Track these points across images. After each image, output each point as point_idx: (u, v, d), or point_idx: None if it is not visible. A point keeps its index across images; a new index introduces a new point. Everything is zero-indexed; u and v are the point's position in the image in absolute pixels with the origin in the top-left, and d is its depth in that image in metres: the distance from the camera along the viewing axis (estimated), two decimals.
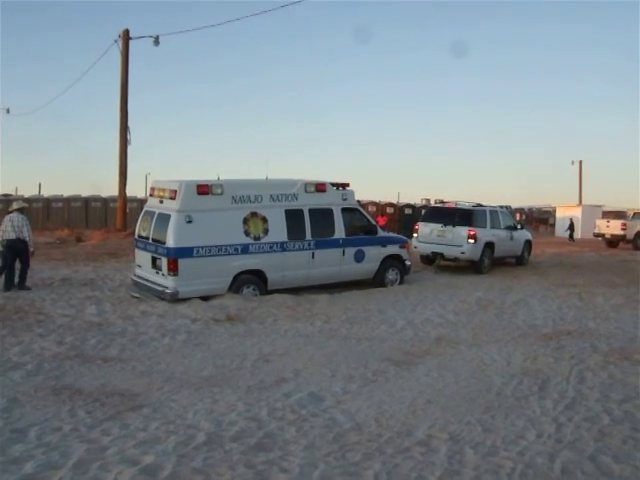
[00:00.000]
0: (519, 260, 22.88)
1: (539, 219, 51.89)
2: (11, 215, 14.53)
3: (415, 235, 21.40)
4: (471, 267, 20.71)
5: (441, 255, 20.87)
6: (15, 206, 14.83)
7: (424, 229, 21.13)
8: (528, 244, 23.49)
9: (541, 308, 13.86)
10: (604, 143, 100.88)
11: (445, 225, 20.49)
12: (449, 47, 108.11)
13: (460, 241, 20.09)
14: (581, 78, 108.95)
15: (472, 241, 19.91)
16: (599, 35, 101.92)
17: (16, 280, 14.46)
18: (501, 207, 25.64)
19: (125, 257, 20.35)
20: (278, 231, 14.57)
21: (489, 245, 20.56)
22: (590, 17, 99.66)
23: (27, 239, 14.36)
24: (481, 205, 21.60)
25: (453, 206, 21.45)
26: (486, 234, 20.47)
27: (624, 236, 33.52)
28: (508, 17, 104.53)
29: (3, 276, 14.43)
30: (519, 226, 23.46)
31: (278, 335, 10.85)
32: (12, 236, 14.26)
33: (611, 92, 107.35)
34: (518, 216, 43.59)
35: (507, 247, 21.84)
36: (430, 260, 21.57)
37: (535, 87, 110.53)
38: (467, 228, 20.02)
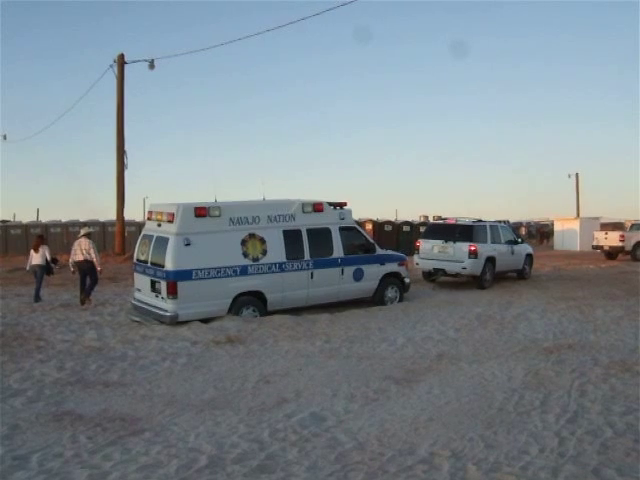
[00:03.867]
0: (520, 274, 22.97)
1: (543, 233, 51.48)
2: (80, 240, 16.46)
3: (417, 252, 21.53)
4: (472, 282, 20.78)
5: (443, 271, 20.92)
6: (82, 232, 16.71)
7: (425, 245, 21.27)
8: (529, 258, 23.58)
9: (541, 322, 13.85)
10: (600, 155, 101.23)
11: (446, 241, 20.61)
12: (445, 62, 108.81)
13: (461, 257, 20.16)
14: (576, 91, 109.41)
15: (473, 256, 20.00)
16: (596, 47, 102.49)
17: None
18: (498, 222, 25.75)
19: (124, 281, 20.36)
20: (276, 252, 14.58)
21: (490, 260, 20.66)
22: (586, 30, 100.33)
23: (94, 259, 16.21)
24: (481, 220, 21.71)
25: (454, 222, 21.58)
26: (487, 249, 20.57)
27: (622, 247, 33.55)
28: (504, 31, 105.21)
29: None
30: (520, 240, 23.60)
31: (279, 356, 10.83)
32: (80, 258, 16.21)
33: (605, 104, 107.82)
34: (523, 230, 43.61)
35: (508, 261, 21.93)
36: (433, 276, 21.61)
37: (530, 101, 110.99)
38: (468, 244, 20.11)
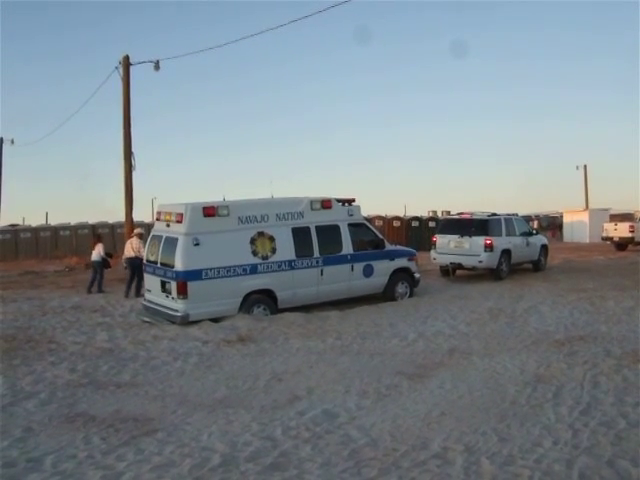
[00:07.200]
0: (536, 265, 23.22)
1: (558, 225, 50.70)
2: (131, 239, 18.68)
3: (433, 247, 21.82)
4: (482, 276, 20.99)
5: (460, 265, 21.16)
6: (135, 232, 19.04)
7: (442, 240, 21.56)
8: (544, 249, 23.79)
9: (552, 314, 13.81)
10: (608, 147, 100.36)
11: (462, 236, 20.92)
12: (449, 58, 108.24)
13: (477, 250, 20.49)
14: (583, 84, 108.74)
15: (489, 250, 20.30)
16: (602, 42, 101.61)
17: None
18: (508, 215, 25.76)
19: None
20: (286, 250, 14.58)
21: (506, 252, 20.97)
22: (591, 25, 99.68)
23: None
24: (496, 214, 21.89)
25: (469, 217, 21.79)
26: (502, 242, 20.87)
27: (632, 238, 33.36)
28: (511, 28, 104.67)
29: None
30: (534, 231, 23.93)
31: (290, 354, 10.84)
32: (131, 255, 18.12)
33: (613, 96, 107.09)
34: (536, 224, 43.37)
35: (524, 253, 22.26)
36: (449, 271, 21.73)
37: (537, 95, 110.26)
38: (483, 237, 20.43)
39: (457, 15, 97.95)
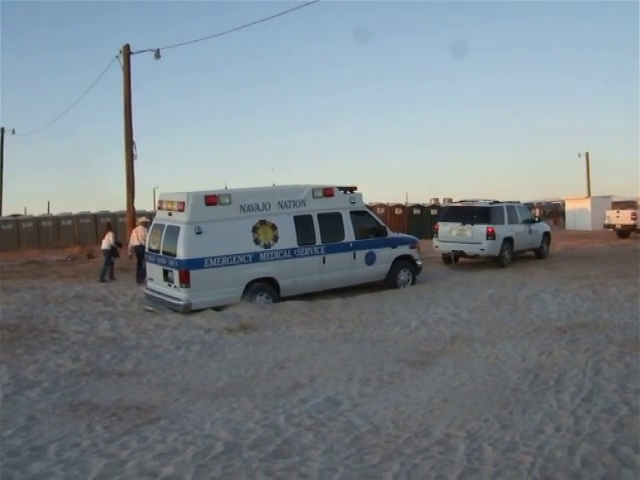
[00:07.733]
0: (538, 252, 23.21)
1: (560, 213, 50.32)
2: (136, 228, 19.29)
3: (435, 235, 21.85)
4: (485, 264, 21.01)
5: (462, 253, 21.15)
6: (139, 221, 19.74)
7: (444, 228, 21.57)
8: (547, 236, 23.77)
9: (554, 302, 13.80)
10: (609, 134, 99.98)
11: (464, 223, 20.92)
12: (451, 48, 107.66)
13: (479, 238, 20.49)
14: (584, 72, 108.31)
15: (491, 238, 20.32)
16: (605, 32, 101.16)
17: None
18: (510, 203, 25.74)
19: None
20: (288, 238, 14.58)
21: (508, 240, 20.96)
22: (592, 15, 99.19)
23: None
24: (498, 202, 21.88)
25: (471, 204, 21.76)
26: (504, 230, 20.87)
27: (635, 225, 33.22)
28: (511, 17, 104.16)
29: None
30: (537, 219, 23.96)
31: (292, 341, 10.85)
32: (136, 243, 18.53)
33: (614, 84, 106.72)
34: (537, 212, 43.31)
35: (526, 240, 22.26)
36: (451, 259, 21.77)
37: (539, 83, 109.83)
38: (485, 225, 20.43)
39: (457, 7, 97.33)
